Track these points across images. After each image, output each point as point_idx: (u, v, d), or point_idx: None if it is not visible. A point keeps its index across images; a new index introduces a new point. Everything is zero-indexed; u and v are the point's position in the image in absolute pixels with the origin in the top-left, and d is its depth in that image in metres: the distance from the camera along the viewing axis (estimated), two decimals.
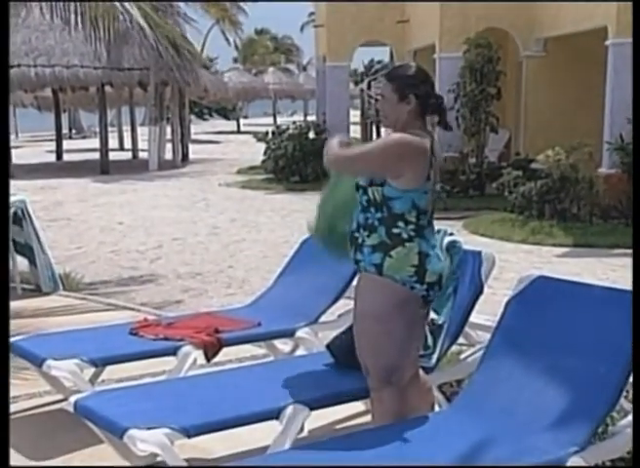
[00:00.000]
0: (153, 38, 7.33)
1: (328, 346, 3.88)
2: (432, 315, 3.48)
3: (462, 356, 4.10)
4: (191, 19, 19.39)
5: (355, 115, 21.50)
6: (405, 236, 3.12)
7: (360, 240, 3.19)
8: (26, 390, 4.46)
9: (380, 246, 3.13)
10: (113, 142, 24.39)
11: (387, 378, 3.23)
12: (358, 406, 4.01)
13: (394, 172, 3.10)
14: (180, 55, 15.51)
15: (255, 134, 19.42)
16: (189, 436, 3.16)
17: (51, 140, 26.74)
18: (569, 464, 2.84)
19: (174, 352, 4.14)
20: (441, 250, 3.28)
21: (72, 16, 6.45)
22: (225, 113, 44.23)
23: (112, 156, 20.79)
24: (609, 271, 8.07)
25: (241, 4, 37.75)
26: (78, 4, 6.39)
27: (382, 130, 16.82)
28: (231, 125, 41.01)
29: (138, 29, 6.75)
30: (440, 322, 3.57)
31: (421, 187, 3.12)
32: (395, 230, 3.12)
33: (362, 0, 16.73)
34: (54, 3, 6.52)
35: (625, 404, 3.28)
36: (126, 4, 6.64)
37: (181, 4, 20.36)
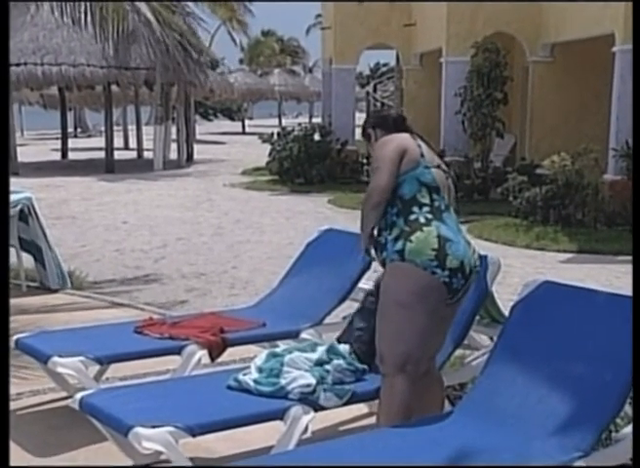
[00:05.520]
0: (162, 37, 7.33)
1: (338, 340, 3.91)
2: None
3: (466, 360, 4.11)
4: (200, 18, 19.35)
5: (360, 118, 21.45)
6: (422, 220, 3.26)
7: (383, 240, 3.33)
8: (31, 387, 4.47)
9: (400, 235, 3.27)
10: (118, 141, 24.43)
11: (403, 366, 3.25)
12: (362, 407, 4.01)
13: (400, 159, 3.29)
14: (187, 54, 15.51)
15: (260, 135, 19.42)
16: (194, 435, 3.17)
17: (56, 139, 26.78)
18: None
19: (178, 351, 4.15)
20: (467, 241, 3.35)
21: (82, 15, 6.46)
22: (230, 114, 44.35)
23: (117, 155, 20.81)
24: (613, 278, 8.07)
25: (247, 4, 37.88)
26: (88, 4, 6.39)
27: None
28: (236, 126, 41.07)
29: (147, 28, 6.73)
30: None
31: (420, 163, 3.31)
32: (412, 216, 3.27)
33: (370, 0, 16.71)
34: (64, 3, 6.53)
35: (629, 410, 3.28)
36: (137, 3, 6.63)
37: (190, 4, 20.36)
